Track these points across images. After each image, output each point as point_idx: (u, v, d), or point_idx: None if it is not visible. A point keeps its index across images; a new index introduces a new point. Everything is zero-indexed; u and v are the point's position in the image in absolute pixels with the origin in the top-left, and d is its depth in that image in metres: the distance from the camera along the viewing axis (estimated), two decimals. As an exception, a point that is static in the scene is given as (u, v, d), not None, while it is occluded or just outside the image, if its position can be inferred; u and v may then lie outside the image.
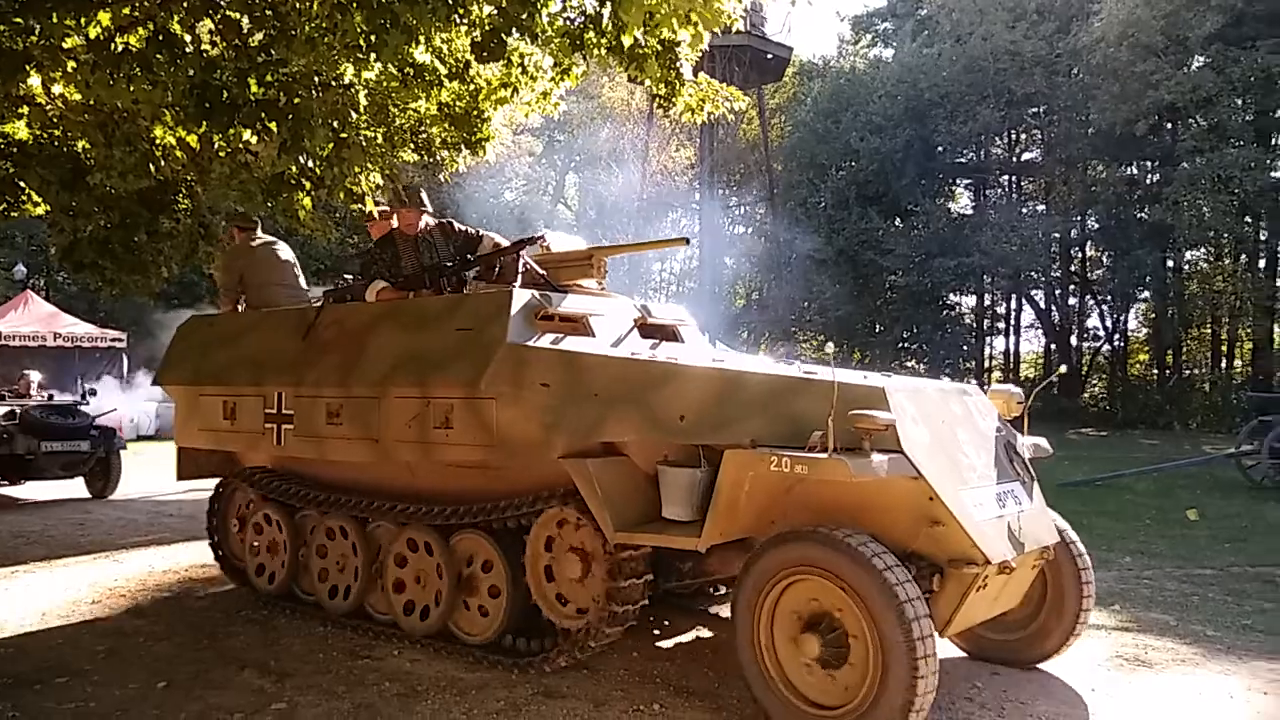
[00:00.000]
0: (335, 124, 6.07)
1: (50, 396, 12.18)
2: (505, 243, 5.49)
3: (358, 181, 6.92)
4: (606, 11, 5.47)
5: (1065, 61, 27.45)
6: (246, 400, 5.73)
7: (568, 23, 6.29)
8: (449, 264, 5.40)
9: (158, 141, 7.27)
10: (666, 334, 5.14)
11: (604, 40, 6.04)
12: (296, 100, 5.70)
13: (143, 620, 5.75)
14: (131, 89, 5.41)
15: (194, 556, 7.73)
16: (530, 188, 34.65)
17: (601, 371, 4.33)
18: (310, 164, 6.05)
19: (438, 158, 9.06)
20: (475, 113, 8.11)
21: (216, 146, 6.95)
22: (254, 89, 5.66)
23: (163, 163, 7.61)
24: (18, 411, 10.98)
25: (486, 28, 5.73)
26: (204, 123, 5.52)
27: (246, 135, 6.13)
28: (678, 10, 4.99)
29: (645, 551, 4.31)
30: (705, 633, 5.37)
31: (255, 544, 6.08)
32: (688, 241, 5.49)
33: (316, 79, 6.18)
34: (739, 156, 35.27)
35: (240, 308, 6.43)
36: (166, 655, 5.00)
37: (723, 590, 5.59)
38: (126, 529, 9.27)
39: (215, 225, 11.97)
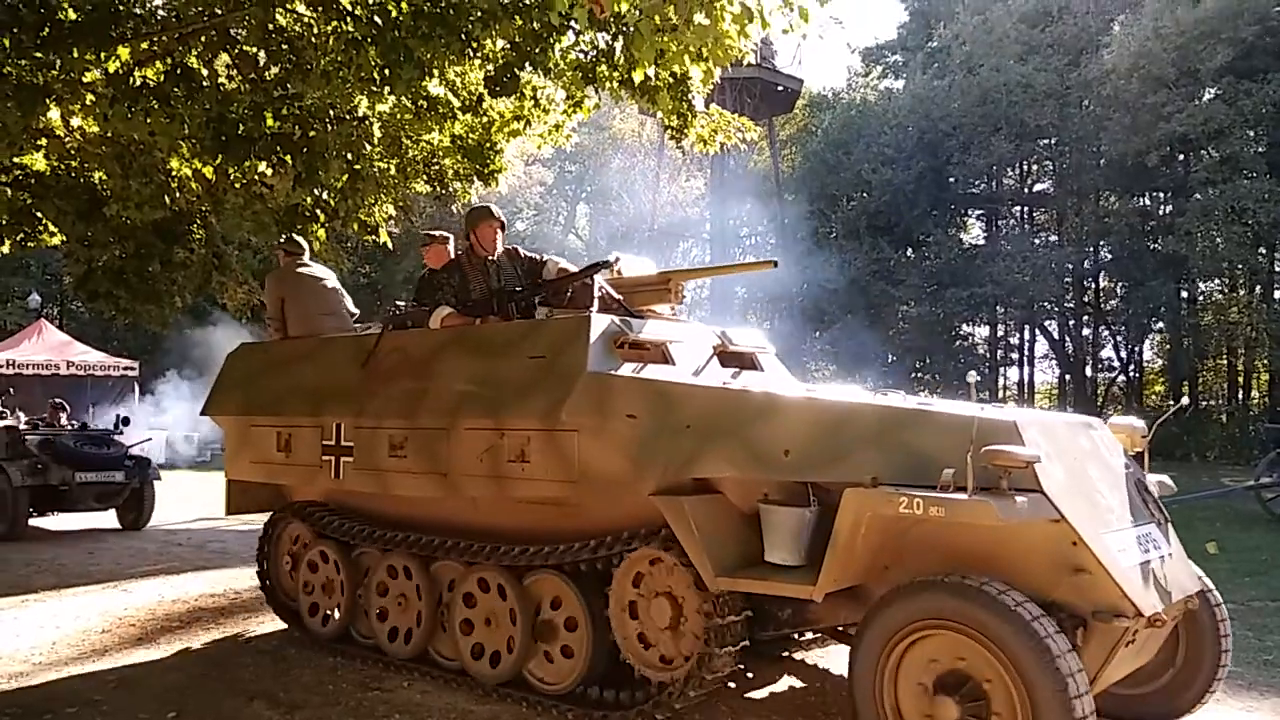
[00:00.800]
0: (349, 156, 6.16)
1: (83, 426, 12.01)
2: (571, 268, 5.25)
3: (371, 213, 6.98)
4: (619, 46, 5.52)
5: (1076, 93, 27.54)
6: (302, 431, 5.45)
7: (580, 57, 6.36)
8: (519, 289, 5.11)
9: (174, 173, 7.37)
10: (745, 362, 4.85)
11: (616, 74, 6.10)
12: (312, 133, 5.77)
13: (153, 650, 5.73)
14: (149, 122, 5.50)
15: (203, 586, 7.72)
16: (541, 218, 34.88)
17: (695, 402, 4.05)
18: (324, 195, 6.11)
19: (450, 189, 9.13)
20: (488, 144, 8.20)
21: (232, 178, 7.04)
22: (270, 122, 5.73)
23: (178, 194, 7.72)
24: (52, 440, 10.69)
25: (500, 62, 5.79)
26: (220, 155, 5.60)
27: (262, 167, 6.22)
28: (688, 47, 5.03)
29: (742, 598, 3.96)
30: (796, 682, 4.98)
31: (309, 583, 5.76)
32: (775, 264, 5.28)
33: (331, 112, 6.26)
34: (750, 187, 35.41)
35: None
36: (177, 686, 4.97)
37: (808, 635, 5.11)
38: (136, 558, 9.27)
39: (229, 255, 12.10)
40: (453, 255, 6.17)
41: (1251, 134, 24.51)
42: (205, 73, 5.99)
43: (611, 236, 33.49)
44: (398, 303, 6.91)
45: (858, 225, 30.35)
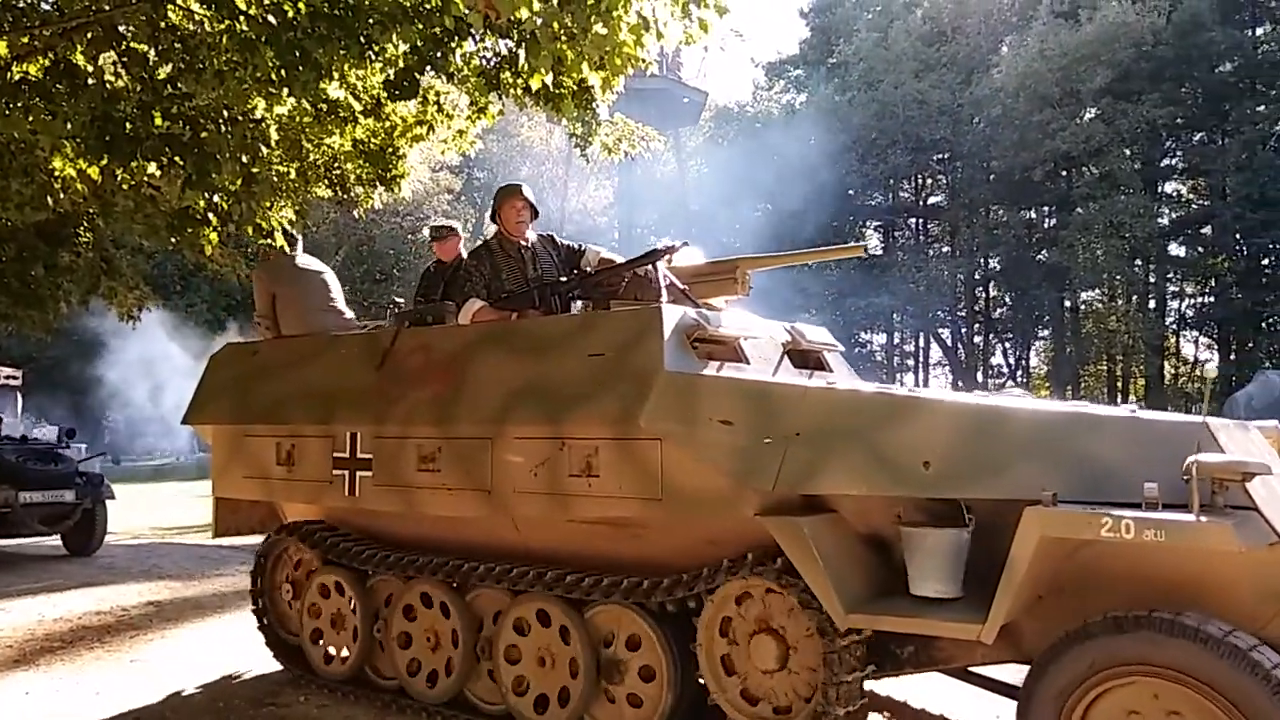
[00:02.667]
0: (244, 158, 5.99)
1: (23, 438, 10.55)
2: (616, 258, 4.78)
3: (267, 217, 6.80)
4: (521, 53, 5.54)
5: (968, 110, 28.68)
6: (309, 442, 4.78)
7: (483, 62, 6.35)
8: (563, 279, 4.53)
9: (57, 173, 7.06)
10: (813, 361, 4.33)
11: (519, 80, 6.11)
12: (203, 134, 5.61)
13: (31, 673, 5.47)
14: (30, 120, 5.27)
15: (89, 604, 7.39)
16: (449, 225, 34.45)
17: (807, 406, 3.48)
18: (217, 199, 5.94)
19: (352, 193, 8.99)
20: (390, 149, 8.10)
21: (119, 179, 6.78)
22: (158, 122, 5.55)
23: (62, 195, 7.39)
24: None
25: (400, 66, 5.74)
26: (105, 155, 5.39)
27: (151, 168, 6.02)
28: (588, 55, 5.07)
29: (868, 636, 3.41)
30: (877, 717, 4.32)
31: (314, 614, 5.09)
32: (865, 250, 4.76)
33: (226, 113, 6.09)
34: (657, 196, 35.72)
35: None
36: (60, 713, 4.76)
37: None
38: (14, 574, 8.82)
39: (118, 260, 11.65)
40: (463, 249, 5.94)
41: (1128, 152, 25.99)
42: (90, 69, 5.76)
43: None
44: (395, 300, 6.63)
45: (762, 235, 30.93)
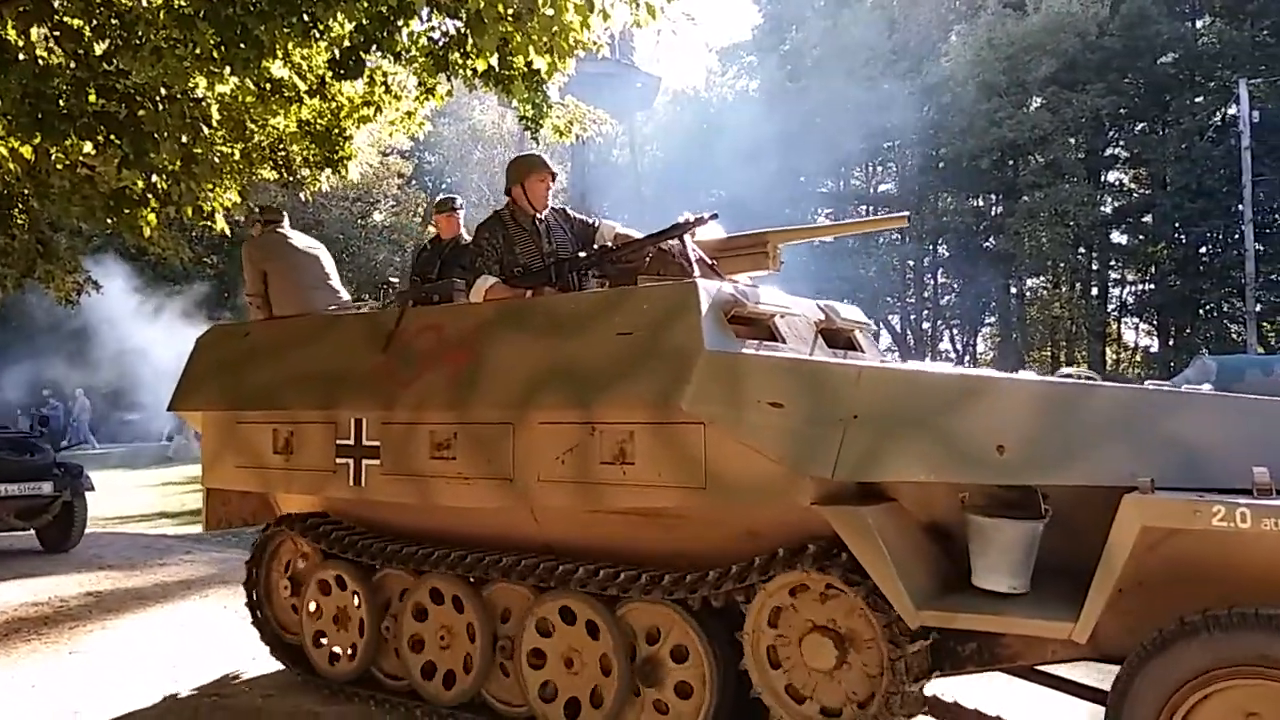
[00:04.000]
0: (184, 138, 5.86)
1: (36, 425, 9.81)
2: (633, 233, 4.50)
3: (208, 198, 6.66)
4: (469, 31, 5.48)
5: (918, 98, 28.99)
6: (309, 429, 4.50)
7: (431, 43, 6.26)
8: (582, 254, 4.24)
9: (-13, 152, 6.84)
10: (843, 340, 4.10)
11: (468, 62, 6.04)
12: (140, 112, 5.47)
13: (-37, 666, 5.33)
14: (-44, 95, 5.10)
15: (24, 595, 7.20)
16: (400, 209, 34.07)
17: (865, 387, 3.23)
18: (156, 179, 5.80)
19: (298, 176, 8.83)
20: (337, 131, 7.97)
21: (54, 158, 6.59)
22: (93, 99, 5.40)
23: (-7, 175, 7.16)
24: None
25: (345, 45, 5.65)
26: (38, 133, 5.24)
27: (87, 148, 5.86)
28: (534, 38, 5.02)
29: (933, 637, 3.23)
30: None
31: (316, 611, 4.80)
32: (907, 219, 4.71)
33: (164, 91, 5.95)
34: (611, 180, 35.61)
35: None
36: None
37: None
38: (-52, 568, 8.57)
39: (55, 242, 11.33)
40: (463, 227, 5.69)
41: (1073, 141, 26.49)
42: (21, 44, 5.58)
43: (471, 228, 33.09)
44: (391, 280, 6.44)
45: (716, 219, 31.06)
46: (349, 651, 4.64)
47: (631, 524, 3.76)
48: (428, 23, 5.92)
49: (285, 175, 8.78)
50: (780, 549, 3.32)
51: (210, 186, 6.99)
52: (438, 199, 5.94)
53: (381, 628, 4.50)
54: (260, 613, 5.10)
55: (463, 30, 5.88)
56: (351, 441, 4.31)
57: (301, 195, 10.23)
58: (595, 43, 5.48)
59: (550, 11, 4.64)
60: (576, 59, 6.08)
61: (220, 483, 5.05)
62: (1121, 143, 29.69)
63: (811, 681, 3.31)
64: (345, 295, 5.21)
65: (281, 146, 8.40)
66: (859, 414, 3.17)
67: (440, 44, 6.17)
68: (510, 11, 4.75)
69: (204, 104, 6.57)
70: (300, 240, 5.26)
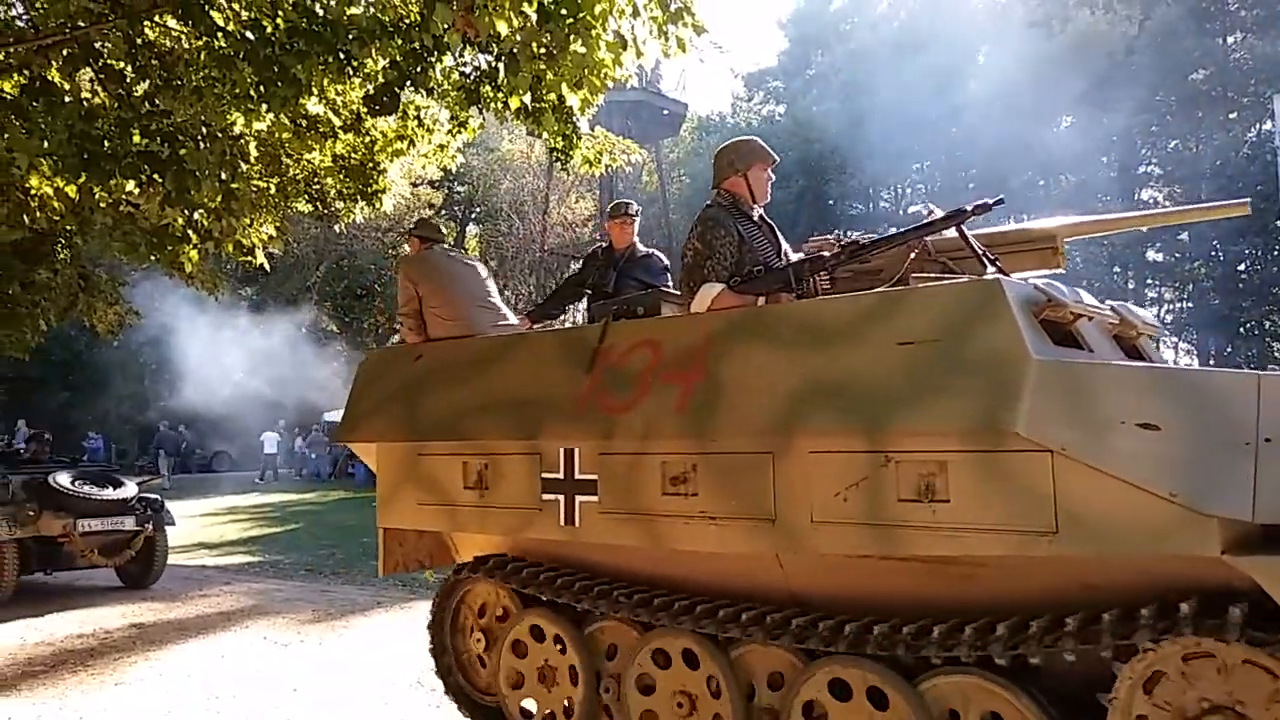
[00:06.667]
0: (224, 174, 5.98)
1: (73, 459, 9.69)
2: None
3: (247, 233, 6.78)
4: (501, 68, 5.56)
5: (946, 120, 28.93)
6: (507, 461, 4.01)
7: (463, 77, 6.36)
8: (826, 254, 3.65)
9: (33, 191, 7.01)
10: (1128, 346, 3.51)
11: (500, 95, 6.13)
12: (182, 151, 5.58)
13: (14, 698, 5.40)
14: (5, 137, 5.24)
15: (70, 627, 7.30)
16: (430, 239, 34.45)
17: (1273, 403, 2.63)
18: (196, 216, 5.91)
19: (333, 208, 8.98)
20: (371, 164, 8.10)
21: (97, 197, 6.75)
22: (136, 139, 5.53)
23: (39, 213, 7.34)
24: (44, 481, 8.49)
25: (380, 81, 5.75)
26: (83, 173, 5.37)
27: (129, 186, 5.99)
28: (567, 74, 5.06)
29: None
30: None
31: (516, 670, 4.24)
32: (1248, 206, 3.99)
33: (204, 129, 6.08)
34: (640, 207, 35.80)
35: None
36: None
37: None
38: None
39: (97, 278, 11.58)
40: (637, 240, 5.40)
41: (1105, 160, 26.26)
42: (67, 86, 5.73)
43: (501, 258, 33.35)
44: (539, 303, 6.04)
45: (744, 245, 31.14)
46: (561, 712, 4.06)
47: (910, 572, 3.13)
48: (460, 58, 6.01)
49: (320, 208, 8.93)
50: (1183, 604, 2.62)
51: (249, 221, 7.12)
52: (611, 204, 5.57)
53: (599, 689, 3.93)
54: (450, 674, 4.57)
55: (494, 64, 5.97)
56: (561, 475, 3.80)
57: (335, 227, 10.37)
58: (621, 77, 5.52)
59: (582, 49, 4.68)
60: (609, 86, 6.14)
61: (399, 522, 4.52)
62: (1154, 160, 29.38)
63: None
64: (510, 315, 4.87)
65: (316, 180, 8.55)
66: (1271, 436, 2.54)
67: (472, 78, 6.27)
68: (543, 50, 4.80)
69: (242, 141, 6.72)
70: (459, 256, 4.90)
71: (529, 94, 5.37)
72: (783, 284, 3.61)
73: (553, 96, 5.57)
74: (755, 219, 3.83)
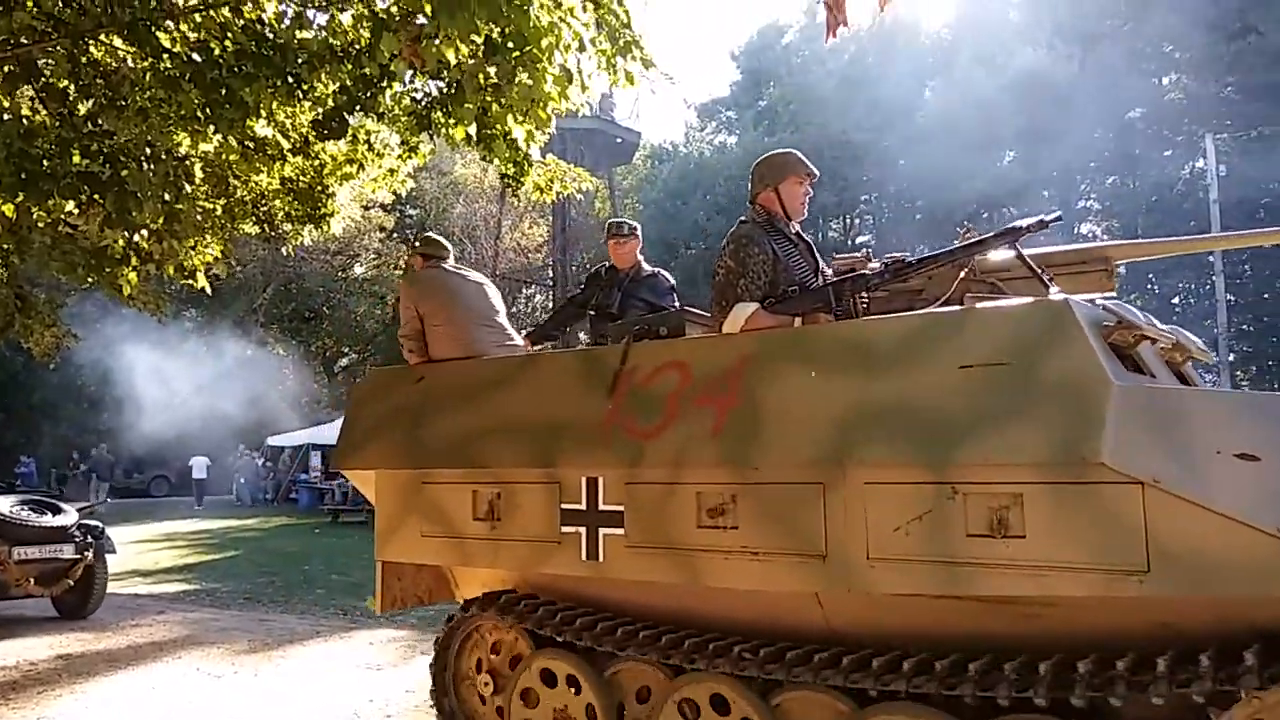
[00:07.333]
0: (167, 196, 5.89)
1: (10, 485, 9.27)
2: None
3: (190, 256, 6.66)
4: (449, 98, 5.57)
5: (894, 152, 29.56)
6: (522, 490, 3.77)
7: (414, 103, 6.35)
8: (866, 273, 3.46)
9: (-32, 210, 6.84)
10: (1175, 371, 3.34)
11: (449, 122, 6.13)
12: (124, 171, 5.50)
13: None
14: (-61, 155, 5.12)
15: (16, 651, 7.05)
16: (381, 262, 34.16)
17: None
18: (137, 237, 5.82)
19: (280, 231, 8.87)
20: (319, 187, 8.02)
21: (35, 217, 6.60)
22: (77, 159, 5.43)
23: (-27, 232, 7.16)
24: None
25: (329, 105, 5.73)
26: (20, 193, 5.26)
27: (69, 206, 5.88)
28: (514, 106, 5.07)
29: None
30: None
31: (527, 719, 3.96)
32: None
33: (148, 150, 5.99)
34: (592, 234, 35.90)
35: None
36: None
37: None
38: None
39: (34, 298, 11.28)
40: (641, 259, 5.28)
41: (1046, 194, 26.97)
42: (6, 104, 5.62)
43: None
44: (538, 324, 5.81)
45: (695, 271, 31.30)
46: None
47: (965, 611, 2.90)
48: (410, 84, 6.01)
49: (267, 230, 8.82)
50: (1183, 641, 2.55)
51: (192, 244, 7.01)
52: (609, 222, 5.40)
53: None
54: (452, 715, 4.32)
55: (446, 91, 5.98)
56: (583, 506, 3.56)
57: (283, 250, 10.26)
58: (565, 109, 5.55)
59: (529, 81, 4.71)
60: (556, 117, 6.18)
61: (401, 555, 4.22)
62: (1094, 195, 30.28)
63: None
64: (515, 335, 4.66)
65: (264, 202, 8.45)
66: None
67: (423, 104, 6.27)
68: (490, 82, 4.81)
69: (187, 162, 6.63)
70: (463, 273, 4.71)
71: (474, 125, 5.37)
72: (822, 304, 3.40)
73: (499, 130, 5.58)
74: (791, 235, 3.66)
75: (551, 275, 32.53)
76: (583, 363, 3.74)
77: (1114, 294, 3.64)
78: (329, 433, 23.96)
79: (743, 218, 3.67)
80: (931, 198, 27.67)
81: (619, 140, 30.44)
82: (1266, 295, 25.88)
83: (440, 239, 4.80)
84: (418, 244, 4.89)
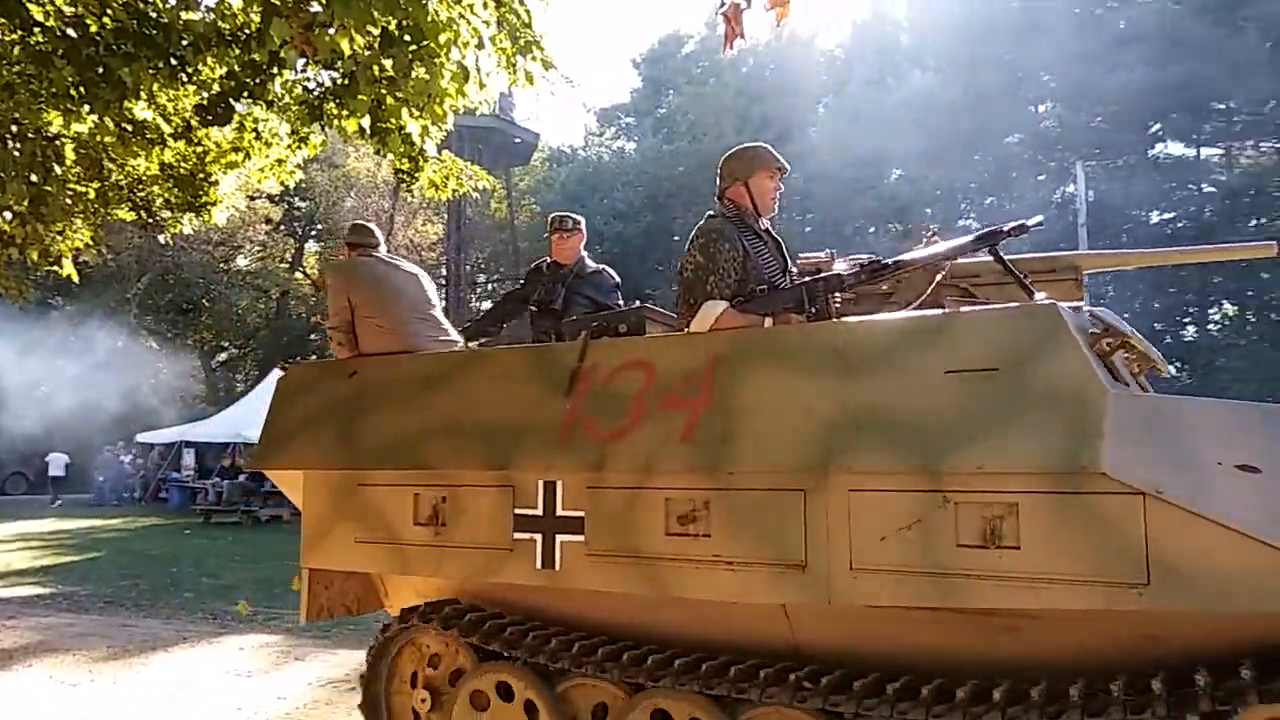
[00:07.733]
0: (34, 177, 5.58)
1: None
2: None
3: (56, 240, 6.32)
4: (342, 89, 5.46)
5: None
6: (470, 494, 3.54)
7: (306, 93, 6.19)
8: (844, 272, 3.34)
9: None
10: (1137, 379, 3.32)
11: (343, 113, 6.00)
12: (-14, 149, 5.19)
13: None
14: None
15: None
16: (266, 255, 33.04)
17: None
18: None
19: (158, 218, 8.50)
20: (201, 175, 7.74)
21: (-115, 193, 6.15)
22: (-67, 134, 5.10)
23: None
24: None
25: (215, 90, 5.53)
26: None
27: (-78, 183, 5.51)
28: (410, 100, 5.00)
29: None
30: None
31: None
32: (1277, 247, 3.84)
33: (15, 128, 5.66)
34: (488, 234, 35.57)
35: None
36: None
37: None
38: None
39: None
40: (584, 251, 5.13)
41: (929, 211, 28.11)
42: None
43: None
44: (483, 311, 5.54)
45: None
46: None
47: (939, 624, 2.80)
48: (301, 73, 5.85)
49: (144, 217, 8.44)
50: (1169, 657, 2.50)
51: (60, 228, 6.65)
52: (552, 216, 5.26)
53: None
54: None
55: (340, 82, 5.84)
56: (540, 511, 3.36)
57: (161, 238, 9.82)
58: (463, 107, 5.50)
59: (426, 76, 4.65)
60: (454, 114, 6.12)
61: (331, 561, 3.94)
62: (973, 214, 31.68)
63: None
64: (451, 330, 4.39)
65: (141, 188, 8.09)
66: None
67: (315, 94, 6.11)
68: (385, 74, 4.74)
69: (58, 143, 6.29)
70: (395, 262, 4.48)
71: (368, 117, 5.26)
72: (794, 304, 3.27)
73: (393, 124, 5.49)
74: (760, 232, 3.53)
75: (446, 274, 32.05)
76: (535, 359, 3.53)
77: (1081, 302, 3.48)
78: (203, 429, 23.01)
79: (710, 212, 3.54)
80: (821, 213, 28.48)
81: (517, 140, 30.27)
82: (1126, 315, 27.55)
83: (371, 226, 4.59)
84: (347, 232, 4.65)
